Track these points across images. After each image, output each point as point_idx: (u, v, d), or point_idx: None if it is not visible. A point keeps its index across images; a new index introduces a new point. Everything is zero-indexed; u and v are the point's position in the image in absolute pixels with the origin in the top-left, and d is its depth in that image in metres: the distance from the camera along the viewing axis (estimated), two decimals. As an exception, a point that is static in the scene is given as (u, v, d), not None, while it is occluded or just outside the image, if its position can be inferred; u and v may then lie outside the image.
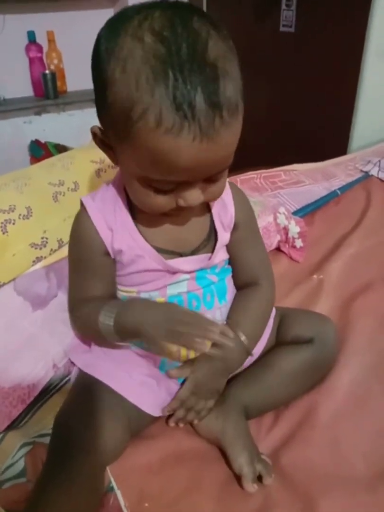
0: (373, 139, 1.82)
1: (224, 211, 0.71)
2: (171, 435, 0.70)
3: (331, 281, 1.05)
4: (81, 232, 0.68)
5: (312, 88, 1.94)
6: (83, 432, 0.61)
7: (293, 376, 0.74)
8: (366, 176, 1.49)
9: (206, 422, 0.70)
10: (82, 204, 0.68)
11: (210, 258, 0.70)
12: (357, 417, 0.74)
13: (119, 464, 0.64)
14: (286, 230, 1.12)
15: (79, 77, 2.31)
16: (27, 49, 2.23)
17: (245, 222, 0.74)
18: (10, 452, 0.66)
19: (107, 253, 0.67)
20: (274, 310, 0.81)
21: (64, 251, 0.81)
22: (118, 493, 0.62)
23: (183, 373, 0.68)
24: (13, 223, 0.77)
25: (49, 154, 2.17)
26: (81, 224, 0.68)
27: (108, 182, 0.69)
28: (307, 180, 1.41)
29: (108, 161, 0.93)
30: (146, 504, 0.61)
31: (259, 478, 0.64)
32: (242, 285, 0.77)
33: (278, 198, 1.26)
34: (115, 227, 0.66)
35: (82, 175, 0.90)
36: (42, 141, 2.30)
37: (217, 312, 0.72)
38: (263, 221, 1.09)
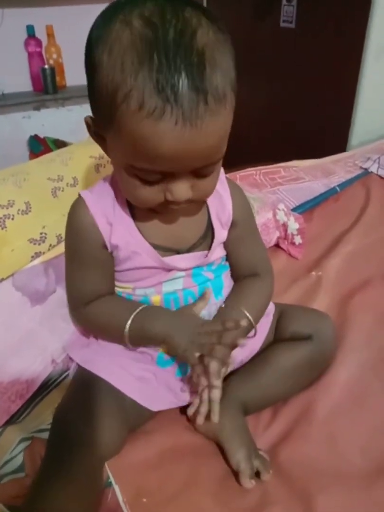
0: (373, 136, 1.82)
1: (221, 207, 0.71)
2: (169, 430, 0.71)
3: (330, 278, 1.05)
4: (79, 225, 0.67)
5: (312, 85, 1.93)
6: (82, 427, 0.61)
7: (291, 373, 0.74)
8: (366, 173, 1.49)
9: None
10: (79, 197, 0.67)
11: (206, 255, 0.70)
12: (354, 413, 0.74)
13: (117, 460, 0.64)
14: (285, 226, 1.12)
15: (78, 72, 2.27)
16: (26, 43, 2.22)
17: (244, 219, 0.74)
18: (8, 447, 0.66)
19: (105, 247, 0.67)
20: (273, 306, 0.81)
21: (63, 247, 0.81)
22: (116, 488, 0.62)
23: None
24: (12, 219, 0.77)
25: (48, 149, 2.16)
26: (79, 217, 0.67)
27: (106, 177, 0.69)
28: (307, 176, 1.40)
29: (107, 156, 0.93)
30: (144, 500, 0.61)
31: (257, 474, 0.64)
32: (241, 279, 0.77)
33: (277, 194, 1.26)
34: (114, 222, 0.66)
35: (81, 171, 0.90)
36: (41, 136, 2.30)
37: (213, 308, 0.72)
38: (262, 217, 1.09)
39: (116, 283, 0.71)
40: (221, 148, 0.55)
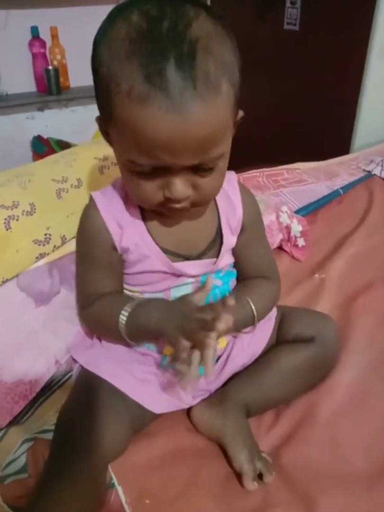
0: (376, 138, 1.82)
1: (232, 213, 0.71)
2: (171, 432, 0.71)
3: (333, 280, 1.05)
4: (90, 227, 0.67)
5: (316, 87, 1.93)
6: (86, 429, 0.61)
7: (293, 375, 0.74)
8: (369, 175, 1.49)
9: (206, 420, 0.70)
10: (91, 199, 0.68)
11: (215, 262, 0.70)
12: (357, 415, 0.74)
13: (120, 461, 0.64)
14: (288, 229, 1.12)
15: (82, 73, 2.29)
16: (30, 44, 2.23)
17: (252, 223, 0.74)
18: (11, 448, 0.66)
19: (115, 249, 0.67)
20: (275, 310, 0.81)
21: (67, 248, 0.81)
22: (119, 489, 0.62)
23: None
24: (17, 219, 0.77)
25: (51, 150, 2.17)
26: (90, 218, 0.67)
27: (117, 180, 0.69)
28: (310, 179, 1.41)
29: (111, 158, 0.94)
30: (147, 501, 0.62)
31: (259, 476, 0.64)
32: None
33: (280, 196, 1.26)
34: (125, 225, 0.66)
35: (85, 172, 0.90)
36: (45, 137, 2.30)
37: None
38: (266, 219, 1.08)
39: (126, 286, 0.72)
40: (217, 143, 0.53)
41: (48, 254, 0.81)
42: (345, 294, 1.00)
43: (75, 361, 0.76)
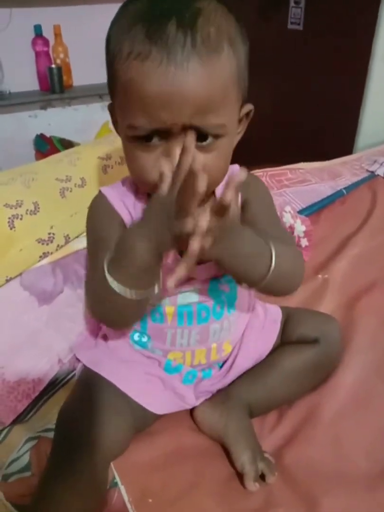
0: (380, 139, 1.82)
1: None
2: (174, 431, 0.71)
3: (336, 281, 1.05)
4: (101, 210, 0.65)
5: (319, 87, 1.93)
6: (87, 428, 0.61)
7: (296, 376, 0.74)
8: (372, 176, 1.48)
9: (209, 419, 0.70)
10: (100, 192, 0.66)
11: None
12: (360, 416, 0.74)
13: (123, 460, 0.64)
14: (292, 229, 1.12)
15: (85, 71, 2.30)
16: (34, 43, 2.23)
17: (256, 197, 0.68)
18: (15, 446, 0.67)
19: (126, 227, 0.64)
20: (280, 313, 0.80)
21: (71, 247, 0.82)
22: (122, 489, 0.62)
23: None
24: (20, 218, 0.77)
25: (54, 149, 2.17)
26: (99, 206, 0.66)
27: (125, 178, 0.68)
28: (313, 179, 1.40)
29: (114, 157, 0.94)
30: (150, 500, 0.62)
31: (262, 477, 0.64)
32: None
33: (284, 196, 1.26)
34: (135, 216, 0.64)
35: (88, 171, 0.90)
36: (47, 135, 2.30)
37: (225, 322, 0.70)
38: (269, 219, 1.09)
39: None
40: (215, 109, 0.52)
41: (51, 253, 0.81)
42: (348, 294, 1.00)
43: (78, 360, 0.76)
